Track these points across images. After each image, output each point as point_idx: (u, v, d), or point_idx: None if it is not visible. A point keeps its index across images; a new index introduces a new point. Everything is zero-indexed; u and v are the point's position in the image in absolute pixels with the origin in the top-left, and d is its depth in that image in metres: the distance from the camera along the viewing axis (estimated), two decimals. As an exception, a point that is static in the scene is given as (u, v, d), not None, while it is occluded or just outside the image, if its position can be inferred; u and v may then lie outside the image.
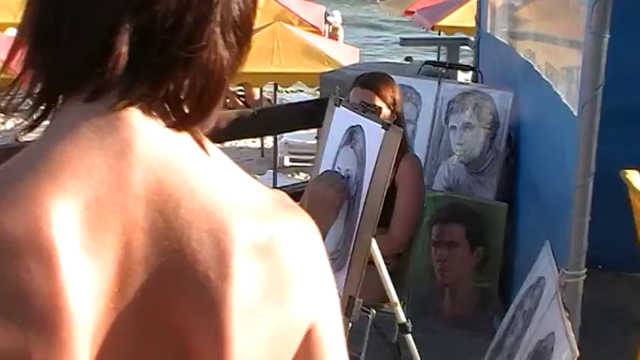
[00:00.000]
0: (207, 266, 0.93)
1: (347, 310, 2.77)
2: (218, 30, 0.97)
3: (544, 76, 4.05)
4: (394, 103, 3.93)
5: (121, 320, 0.94)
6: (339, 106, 3.10)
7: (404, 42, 7.40)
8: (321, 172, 3.12)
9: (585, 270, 2.98)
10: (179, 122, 0.98)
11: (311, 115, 5.26)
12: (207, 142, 1.01)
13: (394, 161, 2.77)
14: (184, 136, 0.99)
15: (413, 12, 21.07)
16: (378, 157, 2.79)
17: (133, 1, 0.94)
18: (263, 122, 5.42)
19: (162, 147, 0.97)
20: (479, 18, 5.72)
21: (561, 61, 3.79)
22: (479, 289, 4.49)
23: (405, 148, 3.86)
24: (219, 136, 5.12)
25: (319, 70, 11.18)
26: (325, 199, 2.85)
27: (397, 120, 3.91)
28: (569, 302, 3.03)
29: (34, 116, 0.98)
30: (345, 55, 12.88)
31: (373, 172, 2.79)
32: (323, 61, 12.15)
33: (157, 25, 0.94)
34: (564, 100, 3.50)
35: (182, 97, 0.97)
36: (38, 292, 0.90)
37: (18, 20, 1.03)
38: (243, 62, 1.03)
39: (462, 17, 15.50)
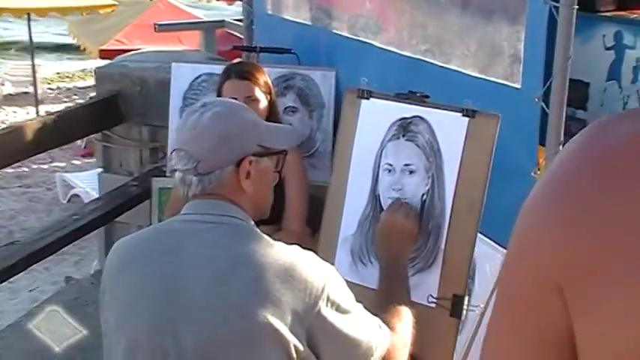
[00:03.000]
0: None
1: (454, 309, 2.64)
2: None
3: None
4: (270, 92, 3.79)
5: None
6: (368, 99, 2.91)
7: (161, 27, 7.02)
8: (351, 173, 2.93)
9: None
10: None
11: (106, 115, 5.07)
12: None
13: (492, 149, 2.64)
14: None
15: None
16: (464, 146, 2.66)
17: None
18: (68, 127, 5.00)
19: None
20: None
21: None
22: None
23: None
24: (29, 150, 4.65)
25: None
26: (405, 229, 2.70)
27: (272, 107, 3.77)
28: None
29: None
30: None
31: (461, 163, 2.67)
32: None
33: None
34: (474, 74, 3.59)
35: None
36: None
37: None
38: None
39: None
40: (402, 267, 2.62)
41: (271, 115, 3.72)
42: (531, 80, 3.34)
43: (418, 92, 2.81)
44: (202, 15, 14.72)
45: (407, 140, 2.81)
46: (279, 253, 2.17)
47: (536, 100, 3.27)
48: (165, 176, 4.52)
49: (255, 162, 2.29)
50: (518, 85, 3.41)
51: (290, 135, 2.50)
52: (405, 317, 2.41)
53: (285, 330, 2.07)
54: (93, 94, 17.35)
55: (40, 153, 5.05)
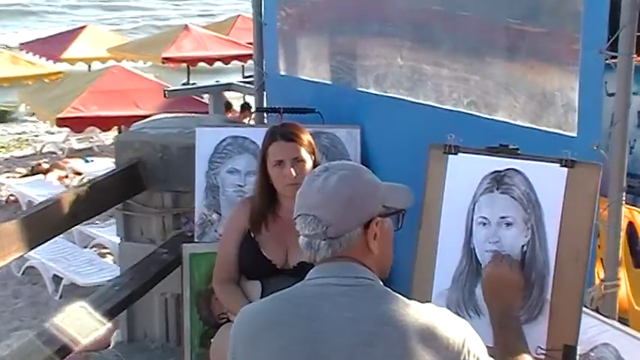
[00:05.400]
0: None
1: (565, 360, 2.64)
2: None
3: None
4: (313, 152, 3.81)
5: None
6: (455, 154, 2.93)
7: (171, 93, 7.05)
8: (442, 228, 2.94)
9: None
10: None
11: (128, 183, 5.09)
12: None
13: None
14: None
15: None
16: (565, 196, 2.69)
17: None
18: (99, 197, 4.92)
19: None
20: (260, 60, 5.33)
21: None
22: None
23: None
24: (68, 222, 4.56)
25: None
26: (512, 281, 2.73)
27: (315, 165, 3.78)
28: (608, 311, 3.17)
29: None
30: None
31: (562, 213, 2.69)
32: None
33: None
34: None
35: None
36: None
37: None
38: None
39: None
40: (515, 319, 2.63)
41: None
42: (588, 128, 3.39)
43: (510, 145, 2.84)
44: (154, 78, 14.66)
45: (501, 193, 2.83)
46: (417, 312, 2.16)
47: (595, 147, 3.32)
48: (193, 241, 4.46)
49: (380, 222, 2.29)
50: (573, 134, 3.45)
51: (407, 193, 2.49)
52: None
53: None
54: (33, 162, 16.98)
55: (76, 225, 4.94)
